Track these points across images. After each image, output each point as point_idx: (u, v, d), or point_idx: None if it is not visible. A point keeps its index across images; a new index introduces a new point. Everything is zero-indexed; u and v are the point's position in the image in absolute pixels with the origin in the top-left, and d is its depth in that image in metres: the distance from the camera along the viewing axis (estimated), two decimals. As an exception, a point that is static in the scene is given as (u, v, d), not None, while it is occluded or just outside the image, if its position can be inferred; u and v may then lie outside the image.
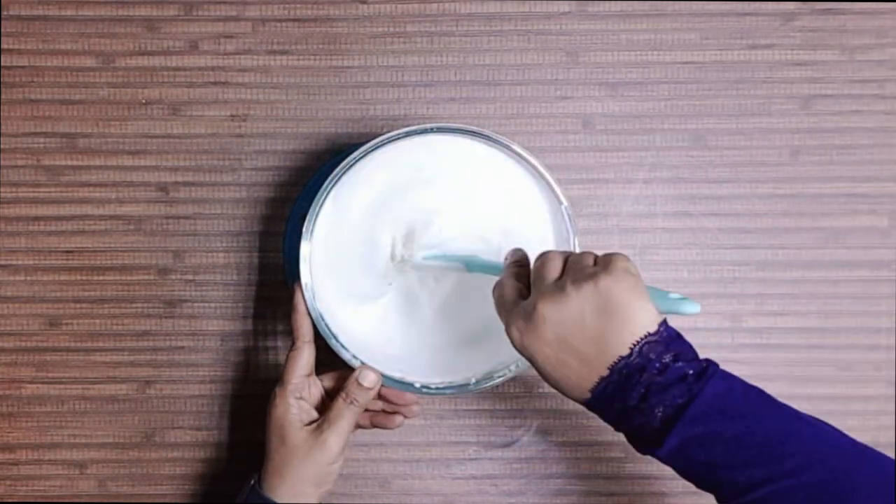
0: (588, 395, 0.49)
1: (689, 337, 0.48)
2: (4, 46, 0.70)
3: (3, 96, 0.70)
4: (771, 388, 0.55)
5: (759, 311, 0.72)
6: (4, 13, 0.70)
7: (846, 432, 0.48)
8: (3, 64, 0.70)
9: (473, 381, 0.62)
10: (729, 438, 0.46)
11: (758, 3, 0.71)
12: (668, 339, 0.48)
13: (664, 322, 0.48)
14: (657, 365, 0.47)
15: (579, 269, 0.50)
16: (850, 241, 0.72)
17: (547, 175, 0.62)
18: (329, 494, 0.62)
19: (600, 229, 0.71)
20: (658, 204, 0.72)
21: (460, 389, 0.62)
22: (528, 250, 0.64)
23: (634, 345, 0.47)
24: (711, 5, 0.71)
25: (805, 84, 0.72)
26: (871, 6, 0.71)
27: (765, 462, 0.45)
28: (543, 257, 0.53)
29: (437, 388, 0.62)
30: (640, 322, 0.48)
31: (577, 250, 0.62)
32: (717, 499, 0.48)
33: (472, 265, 0.61)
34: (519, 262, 0.56)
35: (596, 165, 0.72)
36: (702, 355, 0.49)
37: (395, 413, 0.64)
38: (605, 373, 0.48)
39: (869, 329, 0.72)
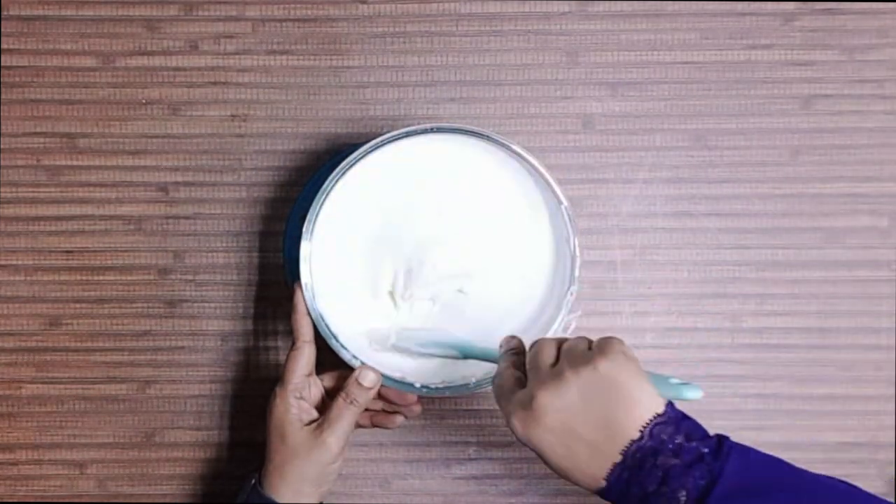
0: (603, 483, 0.48)
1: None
2: (4, 46, 0.70)
3: (3, 96, 0.70)
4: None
5: (759, 311, 0.72)
6: (4, 13, 0.70)
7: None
8: (3, 64, 0.70)
9: (473, 381, 0.62)
10: None
11: (758, 3, 0.71)
12: (677, 420, 0.47)
13: (669, 403, 0.48)
14: (671, 446, 0.46)
15: (575, 354, 0.49)
16: (850, 241, 0.72)
17: (547, 175, 0.62)
18: (329, 494, 0.63)
19: (600, 229, 0.71)
20: (658, 204, 0.72)
21: (460, 389, 0.62)
22: (527, 251, 0.64)
23: (644, 427, 0.46)
24: (711, 5, 0.71)
25: (805, 84, 0.72)
26: (871, 6, 0.71)
27: None
28: (537, 346, 0.52)
29: (437, 388, 0.62)
30: (647, 404, 0.47)
31: (578, 251, 0.62)
32: None
33: (466, 352, 0.61)
34: (515, 349, 0.55)
35: (596, 165, 0.72)
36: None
37: (395, 413, 0.64)
38: (619, 458, 0.47)
39: (869, 329, 0.72)
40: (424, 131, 0.61)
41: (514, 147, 0.62)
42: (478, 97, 0.71)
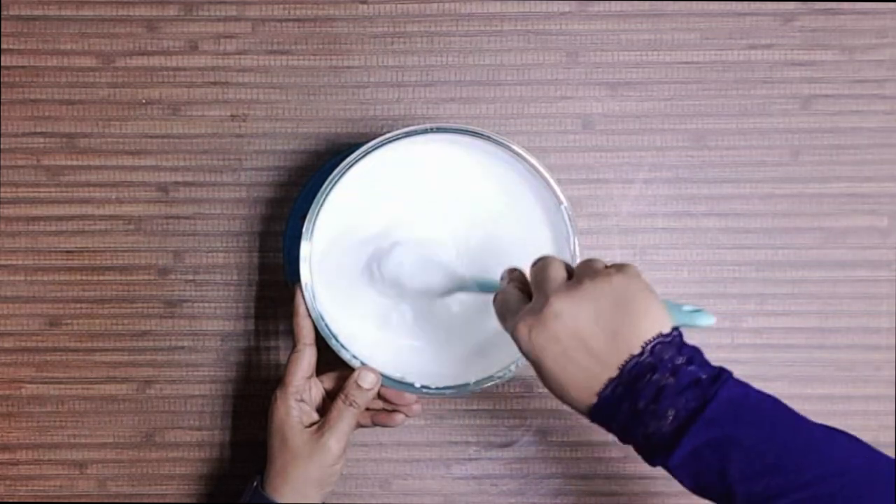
0: (595, 398, 0.47)
1: (689, 337, 0.48)
2: (4, 46, 0.70)
3: (3, 96, 0.70)
4: (771, 389, 0.54)
5: (759, 311, 0.72)
6: (4, 13, 0.70)
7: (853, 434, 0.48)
8: (3, 64, 0.70)
9: (473, 381, 0.62)
10: (745, 445, 0.44)
11: (758, 3, 0.71)
12: (681, 343, 0.47)
13: (678, 329, 0.47)
14: (669, 366, 0.45)
15: (592, 268, 0.49)
16: (850, 241, 0.72)
17: (547, 175, 0.62)
18: (330, 494, 0.62)
19: (600, 229, 0.71)
20: (658, 204, 0.72)
21: (460, 389, 0.62)
22: (526, 251, 0.64)
23: (647, 343, 0.46)
24: (711, 5, 0.71)
25: (805, 84, 0.72)
26: (871, 6, 0.71)
27: (782, 472, 0.44)
28: (544, 260, 0.51)
29: (437, 389, 0.62)
30: (654, 321, 0.47)
31: (578, 250, 0.62)
32: None
33: (464, 283, 0.61)
34: (518, 276, 0.55)
35: (596, 165, 0.72)
36: None
37: (395, 412, 0.64)
38: (615, 373, 0.46)
39: (869, 329, 0.72)
40: (424, 131, 0.61)
41: (514, 147, 0.62)
42: (478, 97, 0.71)
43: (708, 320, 0.48)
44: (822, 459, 0.44)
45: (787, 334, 0.72)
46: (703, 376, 0.46)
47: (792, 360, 0.72)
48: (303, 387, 0.62)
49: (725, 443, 0.44)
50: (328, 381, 0.64)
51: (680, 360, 0.46)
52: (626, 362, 0.46)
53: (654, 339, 0.46)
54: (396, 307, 0.64)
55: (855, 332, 0.72)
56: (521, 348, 0.49)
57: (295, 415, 0.61)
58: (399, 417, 0.64)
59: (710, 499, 0.46)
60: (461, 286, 0.61)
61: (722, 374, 0.46)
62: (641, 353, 0.46)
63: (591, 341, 0.47)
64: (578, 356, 0.47)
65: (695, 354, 0.47)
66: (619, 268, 0.49)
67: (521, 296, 0.52)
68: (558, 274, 0.50)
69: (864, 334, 0.72)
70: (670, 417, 0.45)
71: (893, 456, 0.47)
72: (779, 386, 0.71)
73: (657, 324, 0.47)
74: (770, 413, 0.46)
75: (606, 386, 0.47)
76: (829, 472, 0.44)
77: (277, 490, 0.60)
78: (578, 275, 0.49)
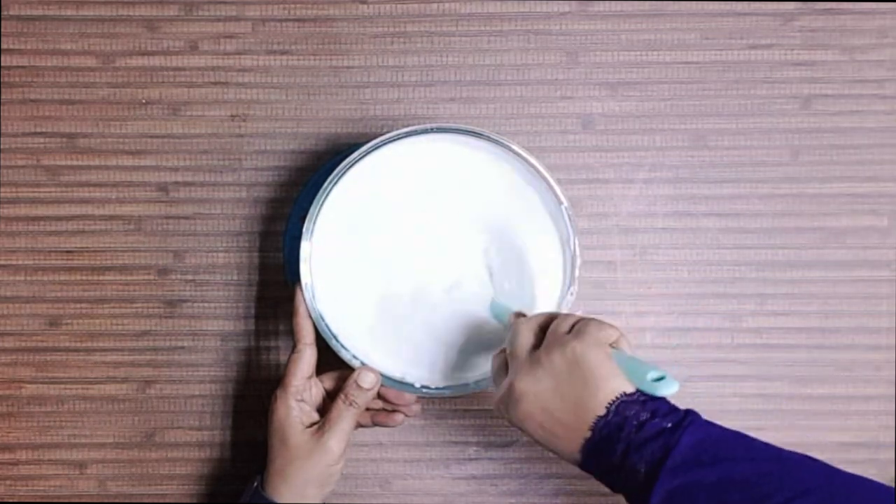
0: (579, 457, 0.50)
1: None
2: (4, 46, 0.70)
3: (3, 96, 0.70)
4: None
5: (759, 311, 0.72)
6: (4, 13, 0.70)
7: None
8: (3, 64, 0.70)
9: (473, 381, 0.62)
10: (710, 485, 0.46)
11: (758, 3, 0.71)
12: (645, 401, 0.49)
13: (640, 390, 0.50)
14: (634, 423, 0.48)
15: (555, 337, 0.52)
16: (850, 241, 0.72)
17: (547, 175, 0.62)
18: (330, 494, 0.62)
19: (600, 229, 0.71)
20: (658, 204, 0.72)
21: (460, 389, 0.62)
22: (526, 250, 0.64)
23: (610, 404, 0.49)
24: (711, 5, 0.71)
25: (805, 84, 0.72)
26: (871, 6, 0.71)
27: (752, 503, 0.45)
28: (513, 330, 0.55)
29: (437, 388, 0.62)
30: (613, 384, 0.49)
31: (578, 250, 0.62)
32: None
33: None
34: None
35: (596, 165, 0.72)
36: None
37: (395, 411, 0.64)
38: (588, 434, 0.49)
39: (869, 329, 0.72)
40: (424, 131, 0.61)
41: (514, 147, 0.62)
42: (478, 97, 0.71)
43: (669, 389, 0.49)
44: (788, 484, 0.46)
45: (787, 334, 0.72)
46: (668, 426, 0.48)
47: (792, 360, 0.72)
48: (303, 387, 0.62)
49: (692, 487, 0.46)
50: (328, 380, 0.64)
51: (644, 416, 0.48)
52: (595, 423, 0.49)
53: (617, 399, 0.49)
54: (397, 307, 0.64)
55: (855, 332, 0.72)
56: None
57: (295, 415, 0.61)
58: (399, 417, 0.64)
59: None
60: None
61: (684, 421, 0.48)
62: (607, 414, 0.49)
63: (558, 414, 0.50)
64: (552, 427, 0.51)
65: (659, 406, 0.49)
66: (578, 332, 0.51)
67: (502, 365, 0.56)
68: (522, 346, 0.53)
69: (864, 334, 0.72)
70: (641, 471, 0.47)
71: (894, 453, 0.47)
72: (779, 386, 0.72)
73: (616, 385, 0.49)
74: (732, 450, 0.48)
75: (584, 446, 0.49)
76: (797, 493, 0.45)
77: (277, 490, 0.60)
78: (543, 344, 0.52)
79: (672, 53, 0.71)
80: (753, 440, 0.48)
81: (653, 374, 0.49)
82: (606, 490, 0.50)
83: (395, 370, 0.62)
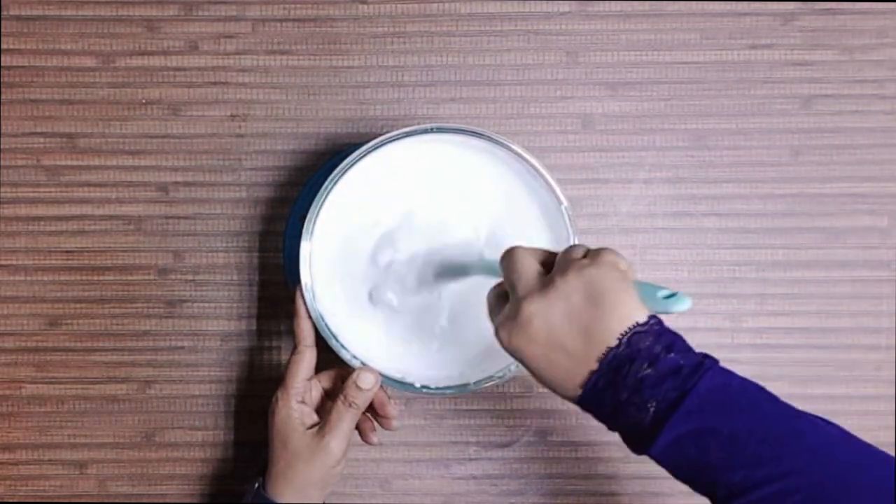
0: (579, 391, 0.47)
1: (689, 337, 0.48)
2: (4, 46, 0.70)
3: (3, 96, 0.70)
4: (771, 388, 0.54)
5: (759, 311, 0.72)
6: (4, 13, 0.70)
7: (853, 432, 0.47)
8: (3, 64, 0.70)
9: (473, 381, 0.62)
10: (725, 435, 0.44)
11: (758, 3, 0.71)
12: (660, 332, 0.46)
13: (658, 318, 0.47)
14: (647, 356, 0.45)
15: (567, 261, 0.49)
16: (850, 241, 0.72)
17: (547, 175, 0.62)
18: (330, 494, 0.62)
19: (600, 229, 0.71)
20: (658, 204, 0.72)
21: (460, 389, 0.62)
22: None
23: (623, 335, 0.46)
24: (711, 5, 0.71)
25: (805, 84, 0.72)
26: (871, 6, 0.71)
27: (763, 462, 0.43)
28: (512, 255, 0.51)
29: (436, 388, 0.62)
30: (628, 312, 0.46)
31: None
32: (713, 501, 0.46)
33: (467, 267, 0.61)
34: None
35: (596, 165, 0.72)
36: None
37: (373, 430, 0.64)
38: (595, 366, 0.46)
39: (869, 329, 0.72)
40: (424, 131, 0.61)
41: (514, 147, 0.62)
42: (478, 97, 0.71)
43: (682, 305, 0.46)
44: (802, 449, 0.44)
45: (787, 334, 0.72)
46: (684, 364, 0.45)
47: (792, 360, 0.72)
48: (304, 388, 0.62)
49: (705, 433, 0.44)
50: (326, 380, 0.64)
51: (658, 349, 0.45)
52: (604, 355, 0.46)
53: (630, 329, 0.46)
54: (397, 307, 0.64)
55: (855, 332, 0.72)
56: (504, 349, 0.50)
57: (296, 416, 0.61)
58: (375, 439, 0.64)
59: (695, 488, 0.46)
60: (468, 268, 0.61)
61: (704, 363, 0.46)
62: (618, 346, 0.46)
63: (566, 340, 0.47)
64: (557, 355, 0.47)
65: (675, 341, 0.46)
66: (595, 257, 0.48)
67: (498, 294, 0.53)
68: (529, 270, 0.50)
69: (864, 334, 0.72)
70: (651, 409, 0.45)
71: (894, 453, 0.46)
72: (779, 386, 0.71)
73: (631, 314, 0.46)
74: (751, 402, 0.45)
75: (588, 379, 0.47)
76: (808, 461, 0.43)
77: (279, 491, 0.60)
78: (554, 269, 0.49)
79: (672, 53, 0.71)
80: (775, 396, 0.46)
81: (664, 292, 0.47)
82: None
83: (396, 370, 0.62)
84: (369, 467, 0.72)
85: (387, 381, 0.61)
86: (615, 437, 0.48)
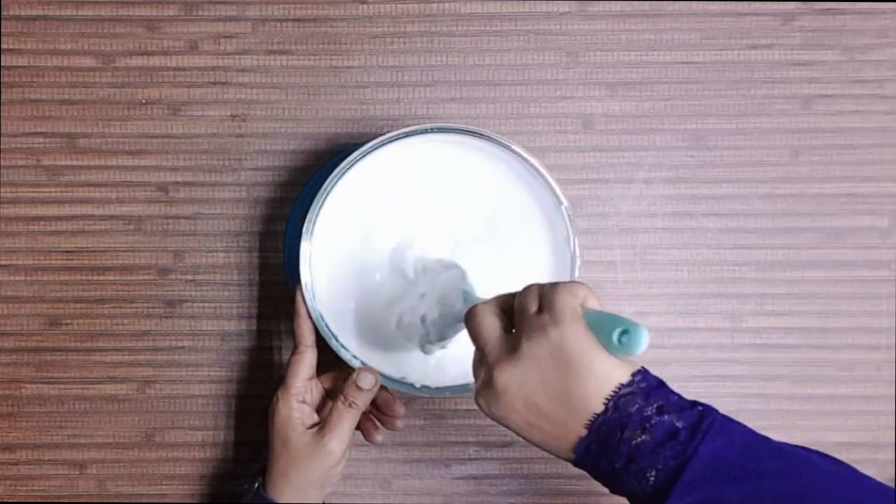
0: (573, 455, 0.45)
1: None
2: (4, 46, 0.70)
3: (3, 96, 0.70)
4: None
5: (759, 311, 0.72)
6: (4, 13, 0.70)
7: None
8: (3, 64, 0.70)
9: (473, 381, 0.62)
10: (733, 503, 0.41)
11: (758, 3, 0.71)
12: (648, 390, 0.43)
13: (641, 371, 0.44)
14: (638, 420, 0.42)
15: (526, 320, 0.46)
16: (849, 241, 0.72)
17: (547, 175, 0.62)
18: (330, 493, 0.62)
19: (600, 229, 0.71)
20: (658, 204, 0.72)
21: (460, 389, 0.62)
22: (526, 251, 0.64)
23: (608, 399, 0.43)
24: (711, 5, 0.71)
25: (805, 84, 0.72)
26: (871, 6, 0.71)
27: None
28: (473, 314, 0.49)
29: (436, 388, 0.62)
30: (607, 374, 0.43)
31: (577, 251, 0.62)
32: None
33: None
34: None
35: (596, 165, 0.72)
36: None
37: (377, 429, 0.64)
38: (584, 432, 0.44)
39: (869, 329, 0.72)
40: (424, 131, 0.61)
41: (514, 147, 0.62)
42: (478, 97, 0.71)
43: (638, 347, 0.42)
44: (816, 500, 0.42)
45: (787, 334, 0.72)
46: (680, 426, 0.42)
47: (792, 360, 0.72)
48: (304, 388, 0.62)
49: (712, 502, 0.42)
50: (326, 380, 0.64)
51: (649, 411, 0.43)
52: (592, 421, 0.44)
53: (615, 393, 0.43)
54: (397, 307, 0.64)
55: (855, 332, 0.72)
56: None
57: (296, 416, 0.61)
58: (378, 438, 0.64)
59: None
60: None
61: (703, 421, 0.43)
62: (605, 411, 0.43)
63: (547, 408, 0.45)
64: (540, 422, 0.45)
65: (666, 398, 0.43)
66: (552, 311, 0.45)
67: (478, 355, 0.50)
68: (492, 333, 0.48)
69: (864, 334, 0.72)
70: (651, 479, 0.42)
71: (893, 462, 0.46)
72: (779, 386, 0.72)
73: (611, 375, 0.43)
74: (758, 460, 0.42)
75: (579, 444, 0.45)
76: None
77: (279, 491, 0.60)
78: (517, 329, 0.46)
79: (672, 53, 0.71)
80: (783, 447, 0.43)
81: (616, 332, 0.43)
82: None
83: (396, 370, 0.62)
84: (369, 467, 0.72)
85: (387, 381, 0.61)
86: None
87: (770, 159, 0.72)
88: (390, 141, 0.60)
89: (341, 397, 0.60)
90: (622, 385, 0.43)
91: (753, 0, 0.71)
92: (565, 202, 0.62)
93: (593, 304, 0.46)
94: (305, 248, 0.60)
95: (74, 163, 0.71)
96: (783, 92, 0.72)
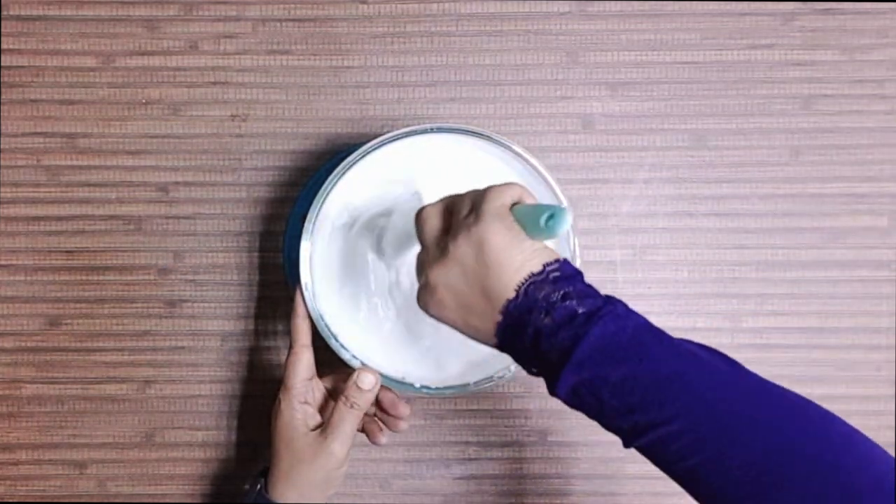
0: (495, 340, 0.49)
1: (689, 337, 0.48)
2: (4, 46, 0.70)
3: (3, 96, 0.70)
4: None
5: (759, 311, 0.72)
6: (4, 13, 0.70)
7: None
8: (3, 64, 0.70)
9: (473, 381, 0.62)
10: (614, 383, 0.44)
11: (758, 3, 0.71)
12: (557, 279, 0.46)
13: (556, 261, 0.47)
14: (543, 305, 0.46)
15: (457, 222, 0.50)
16: (850, 241, 0.72)
17: (547, 175, 0.62)
18: (332, 495, 0.62)
19: (600, 229, 0.72)
20: (658, 204, 0.72)
21: (460, 389, 0.62)
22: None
23: (519, 286, 0.46)
24: (711, 5, 0.71)
25: (805, 84, 0.72)
26: (871, 6, 0.71)
27: (647, 408, 0.44)
28: (419, 217, 0.52)
29: (436, 388, 0.62)
30: (521, 263, 0.47)
31: (578, 251, 0.62)
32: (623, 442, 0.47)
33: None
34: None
35: (596, 165, 0.72)
36: None
37: (381, 430, 0.64)
38: (499, 318, 0.47)
39: (869, 329, 0.72)
40: (424, 131, 0.61)
41: (515, 147, 0.62)
42: (478, 97, 0.71)
43: (562, 226, 0.45)
44: (689, 390, 0.44)
45: (787, 334, 0.72)
46: (580, 311, 0.45)
47: (792, 360, 0.72)
48: (306, 389, 0.61)
49: (596, 382, 0.45)
50: (328, 381, 0.64)
51: (555, 297, 0.46)
52: (506, 307, 0.47)
53: (525, 280, 0.46)
54: (397, 307, 0.64)
55: (855, 332, 0.72)
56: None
57: (299, 417, 0.61)
58: (383, 439, 0.64)
59: (609, 431, 0.47)
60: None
61: (602, 308, 0.46)
62: (516, 297, 0.46)
63: (471, 301, 0.48)
64: (469, 316, 0.49)
65: (574, 286, 0.46)
66: (479, 209, 0.48)
67: (420, 259, 0.54)
68: (430, 234, 0.51)
69: (864, 334, 0.72)
70: (552, 359, 0.46)
71: (894, 454, 0.46)
72: (779, 386, 0.72)
73: (525, 265, 0.47)
74: (644, 347, 0.45)
75: (497, 329, 0.48)
76: (694, 403, 0.43)
77: (281, 493, 0.60)
78: (449, 232, 0.50)
79: (672, 53, 0.71)
80: (672, 339, 0.46)
81: (543, 217, 0.46)
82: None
83: (396, 370, 0.62)
84: (369, 467, 0.72)
85: (387, 382, 0.61)
86: (615, 437, 0.48)
87: (770, 159, 0.72)
88: (390, 141, 0.60)
89: (342, 398, 0.60)
90: (532, 274, 0.47)
91: (753, 0, 0.71)
92: (565, 202, 0.62)
93: (528, 200, 0.50)
94: (305, 248, 0.60)
95: (74, 163, 0.71)
96: (783, 92, 0.72)
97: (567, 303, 0.46)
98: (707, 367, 0.45)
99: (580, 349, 0.45)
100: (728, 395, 0.44)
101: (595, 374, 0.45)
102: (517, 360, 0.49)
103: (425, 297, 0.51)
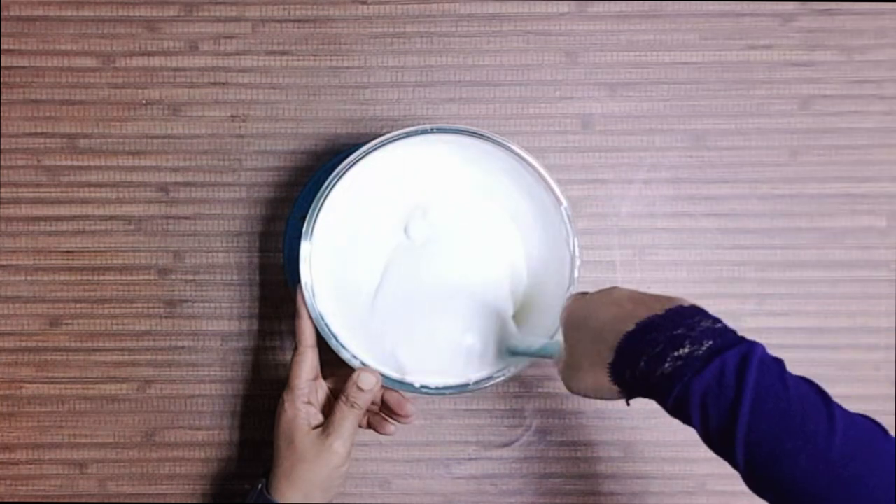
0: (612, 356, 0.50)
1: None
2: (4, 46, 0.70)
3: (3, 96, 0.70)
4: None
5: (759, 311, 0.72)
6: (4, 13, 0.70)
7: None
8: (3, 64, 0.70)
9: (473, 381, 0.62)
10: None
11: (757, 4, 0.71)
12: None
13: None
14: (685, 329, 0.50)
15: None
16: (849, 241, 0.72)
17: (546, 175, 0.62)
18: (335, 496, 0.62)
19: (600, 229, 0.72)
20: (658, 204, 0.72)
21: (460, 389, 0.62)
22: (526, 251, 0.64)
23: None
24: (711, 5, 0.71)
25: (804, 84, 0.72)
26: (871, 6, 0.71)
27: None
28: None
29: (436, 388, 0.62)
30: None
31: (577, 251, 0.62)
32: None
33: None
34: None
35: (596, 165, 0.72)
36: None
37: (388, 421, 0.64)
38: (632, 327, 0.50)
39: (868, 329, 0.72)
40: (424, 131, 0.61)
41: (514, 147, 0.62)
42: (477, 98, 0.71)
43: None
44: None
45: (787, 334, 0.72)
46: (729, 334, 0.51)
47: (791, 360, 0.72)
48: (309, 389, 0.61)
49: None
50: (331, 381, 0.64)
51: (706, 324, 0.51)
52: (639, 321, 0.50)
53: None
54: (396, 307, 0.64)
55: (854, 331, 0.72)
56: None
57: (302, 417, 0.61)
58: (391, 429, 0.64)
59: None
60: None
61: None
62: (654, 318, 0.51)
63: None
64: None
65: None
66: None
67: None
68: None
69: (863, 334, 0.72)
70: (705, 346, 0.49)
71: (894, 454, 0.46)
72: (778, 386, 0.71)
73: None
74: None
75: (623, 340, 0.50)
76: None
77: (283, 493, 0.60)
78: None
79: (672, 54, 0.72)
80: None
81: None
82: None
83: (396, 370, 0.62)
84: (369, 467, 0.72)
85: (387, 381, 0.61)
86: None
87: (769, 159, 0.72)
88: (390, 141, 0.60)
89: (343, 398, 0.60)
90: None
91: (753, 0, 0.71)
92: (565, 202, 0.62)
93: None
94: (305, 248, 0.61)
95: (75, 163, 0.71)
96: (782, 92, 0.72)
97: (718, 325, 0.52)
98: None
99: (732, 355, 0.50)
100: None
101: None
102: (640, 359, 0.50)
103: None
